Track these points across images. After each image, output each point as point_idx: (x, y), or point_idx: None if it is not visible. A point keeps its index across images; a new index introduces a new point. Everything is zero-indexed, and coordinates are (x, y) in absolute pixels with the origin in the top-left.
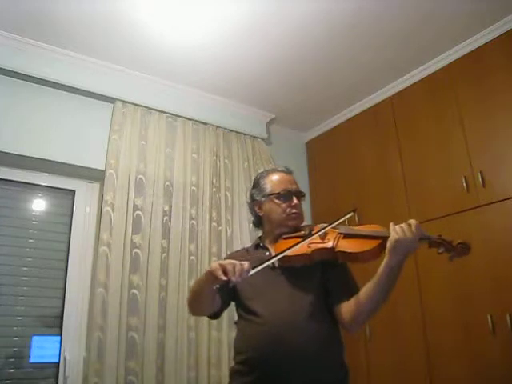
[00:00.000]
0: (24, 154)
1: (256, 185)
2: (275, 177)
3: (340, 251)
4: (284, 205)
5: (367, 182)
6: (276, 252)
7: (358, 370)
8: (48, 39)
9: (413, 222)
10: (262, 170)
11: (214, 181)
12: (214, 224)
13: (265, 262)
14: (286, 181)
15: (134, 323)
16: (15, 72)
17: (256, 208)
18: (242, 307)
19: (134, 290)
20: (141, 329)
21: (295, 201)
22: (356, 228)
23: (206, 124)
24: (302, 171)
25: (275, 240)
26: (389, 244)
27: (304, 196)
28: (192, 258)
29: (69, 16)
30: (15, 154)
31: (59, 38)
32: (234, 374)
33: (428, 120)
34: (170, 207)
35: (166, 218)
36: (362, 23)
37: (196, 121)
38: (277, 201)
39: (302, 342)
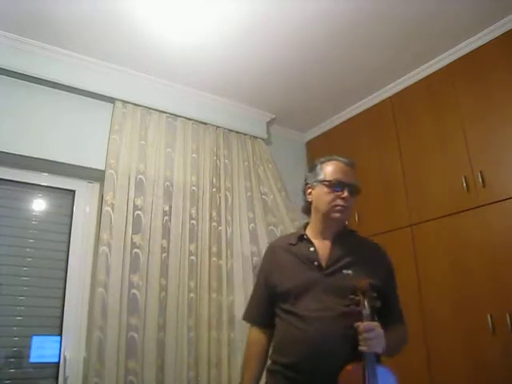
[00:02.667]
0: (24, 154)
1: (312, 169)
2: (333, 165)
3: None
4: (333, 195)
5: (367, 181)
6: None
7: None
8: (48, 39)
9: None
10: (323, 156)
11: (214, 181)
12: (214, 224)
13: None
14: (342, 171)
15: (134, 323)
16: (15, 72)
17: (307, 192)
18: (284, 308)
19: (134, 290)
20: (141, 329)
21: (345, 193)
22: None
23: (205, 124)
24: (302, 171)
25: (319, 235)
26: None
27: (358, 192)
28: (192, 258)
29: (69, 16)
30: (15, 154)
31: (59, 38)
32: (276, 374)
33: (428, 120)
34: (170, 207)
35: (166, 217)
36: (362, 23)
37: (196, 121)
38: (326, 189)
39: (340, 344)
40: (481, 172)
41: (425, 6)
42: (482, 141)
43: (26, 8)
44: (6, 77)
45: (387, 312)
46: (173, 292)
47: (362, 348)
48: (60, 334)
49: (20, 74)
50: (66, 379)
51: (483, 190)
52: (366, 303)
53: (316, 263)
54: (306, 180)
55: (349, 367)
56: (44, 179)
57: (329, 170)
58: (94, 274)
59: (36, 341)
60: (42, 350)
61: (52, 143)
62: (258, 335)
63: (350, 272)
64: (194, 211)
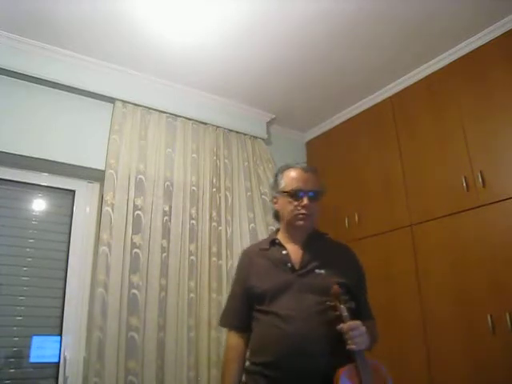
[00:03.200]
0: (24, 154)
1: (275, 178)
2: (291, 174)
3: None
4: (293, 204)
5: (367, 181)
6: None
7: None
8: (48, 39)
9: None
10: (284, 164)
11: (214, 181)
12: (214, 224)
13: None
14: (301, 179)
15: (134, 323)
16: (15, 72)
17: (274, 201)
18: (262, 308)
19: (134, 290)
20: (141, 329)
21: (304, 201)
22: None
23: (205, 124)
24: None
25: (290, 240)
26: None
27: (319, 197)
28: (192, 258)
29: (69, 16)
30: (15, 154)
31: (59, 38)
32: (254, 375)
33: (428, 120)
34: (170, 207)
35: (166, 218)
36: (362, 23)
37: (196, 121)
38: (287, 199)
39: (320, 341)
40: (481, 172)
41: (425, 6)
42: (482, 141)
43: (26, 8)
44: (5, 77)
45: (358, 309)
46: (173, 292)
47: (350, 347)
48: (60, 334)
49: (20, 74)
50: (65, 379)
51: (483, 189)
52: (342, 306)
53: (289, 265)
54: (271, 190)
55: (341, 369)
56: (44, 179)
57: (287, 179)
58: (93, 274)
59: (36, 341)
60: (42, 350)
61: (52, 143)
62: (236, 340)
63: (322, 272)
64: (194, 211)
